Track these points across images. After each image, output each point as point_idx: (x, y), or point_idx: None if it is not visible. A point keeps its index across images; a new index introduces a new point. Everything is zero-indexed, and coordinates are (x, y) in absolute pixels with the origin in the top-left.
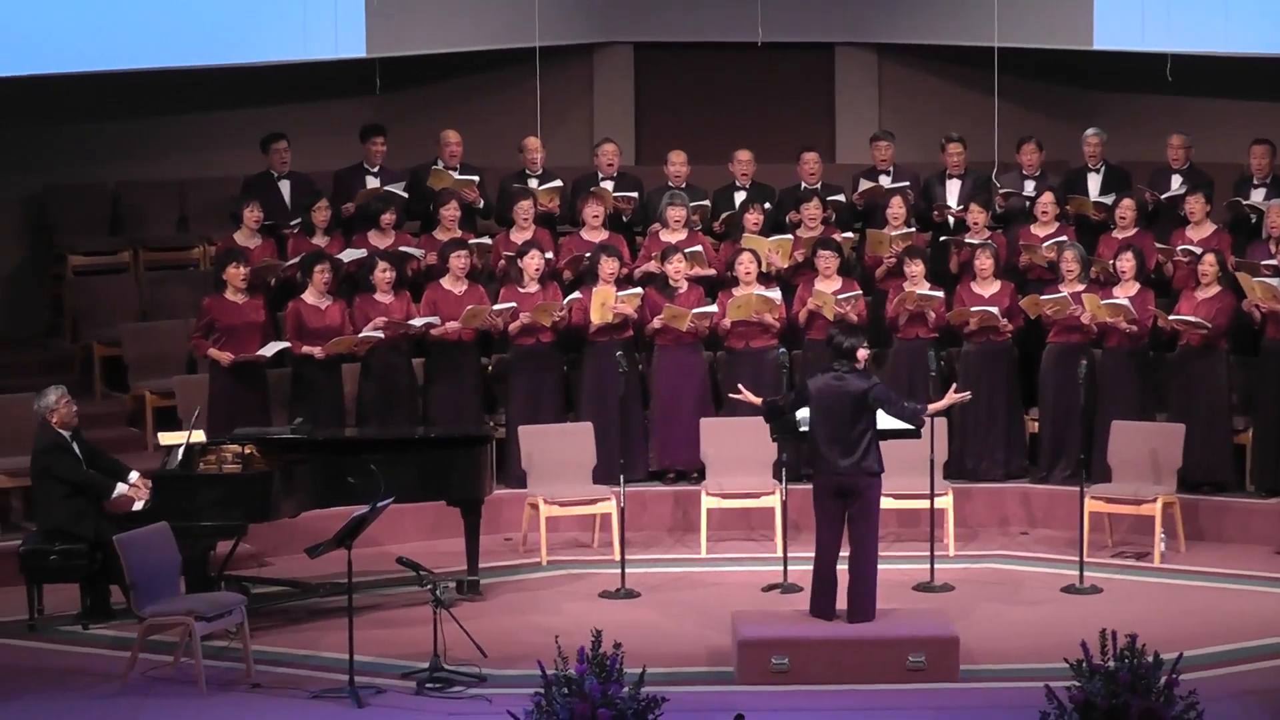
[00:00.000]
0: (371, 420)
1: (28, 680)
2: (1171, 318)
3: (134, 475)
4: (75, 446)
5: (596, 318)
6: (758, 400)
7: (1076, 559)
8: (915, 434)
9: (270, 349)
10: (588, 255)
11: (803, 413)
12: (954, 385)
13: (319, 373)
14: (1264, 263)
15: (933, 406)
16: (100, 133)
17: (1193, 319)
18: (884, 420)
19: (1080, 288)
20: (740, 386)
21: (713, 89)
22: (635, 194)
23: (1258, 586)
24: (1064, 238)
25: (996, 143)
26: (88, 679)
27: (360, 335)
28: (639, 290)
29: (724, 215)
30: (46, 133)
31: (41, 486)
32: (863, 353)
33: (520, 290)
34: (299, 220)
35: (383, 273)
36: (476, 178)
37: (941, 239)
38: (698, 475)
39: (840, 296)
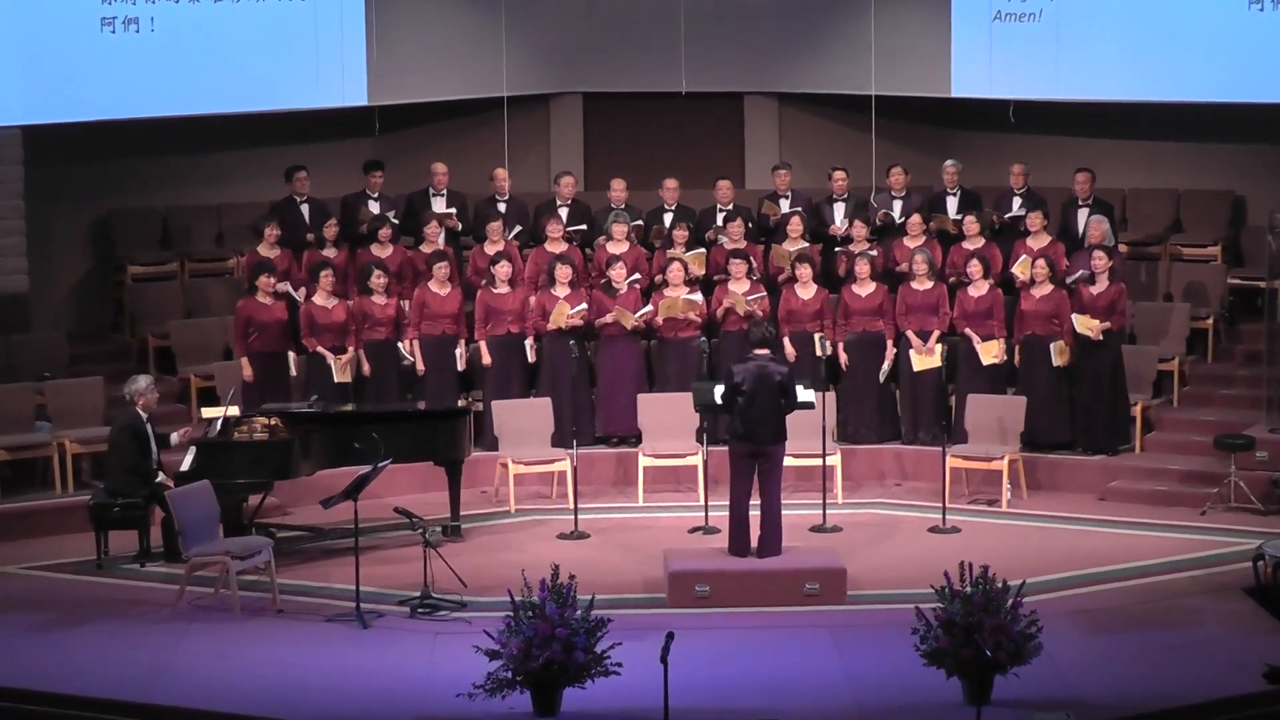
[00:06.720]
0: (371, 397)
1: (97, 608)
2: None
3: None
4: (149, 429)
5: (553, 327)
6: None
7: (940, 505)
8: (811, 406)
9: (294, 360)
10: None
11: (718, 389)
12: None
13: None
14: (1082, 273)
15: None
16: (153, 166)
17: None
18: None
19: (929, 284)
20: None
21: (646, 129)
22: (585, 226)
23: (1084, 526)
24: (926, 249)
25: (873, 171)
26: (145, 607)
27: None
28: (584, 306)
29: (654, 228)
30: (110, 167)
31: (110, 455)
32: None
33: (494, 291)
34: (314, 236)
35: (378, 279)
36: (455, 210)
37: (835, 249)
38: (635, 440)
39: (750, 298)
